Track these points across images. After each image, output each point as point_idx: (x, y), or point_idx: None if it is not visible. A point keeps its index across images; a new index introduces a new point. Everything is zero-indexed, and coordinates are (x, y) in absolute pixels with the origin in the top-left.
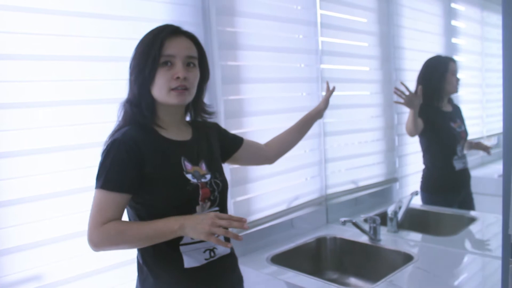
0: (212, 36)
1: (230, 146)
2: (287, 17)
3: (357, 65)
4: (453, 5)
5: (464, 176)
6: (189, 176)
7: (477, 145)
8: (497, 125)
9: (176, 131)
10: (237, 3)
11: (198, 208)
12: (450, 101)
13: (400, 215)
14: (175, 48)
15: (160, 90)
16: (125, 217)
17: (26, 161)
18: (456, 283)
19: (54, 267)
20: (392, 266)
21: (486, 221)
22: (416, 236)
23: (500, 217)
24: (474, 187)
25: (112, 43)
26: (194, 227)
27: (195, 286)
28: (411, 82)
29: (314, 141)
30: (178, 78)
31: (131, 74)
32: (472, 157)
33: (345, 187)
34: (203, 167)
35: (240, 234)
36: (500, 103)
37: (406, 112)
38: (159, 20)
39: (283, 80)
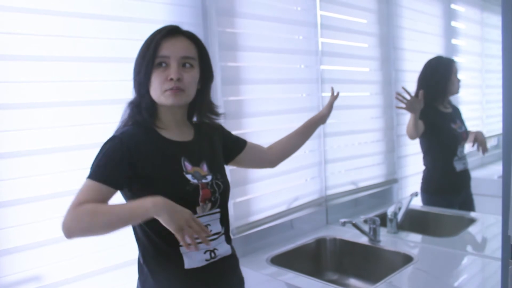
0: (212, 37)
1: (233, 148)
2: (287, 18)
3: (357, 66)
4: (453, 6)
5: (464, 177)
6: (189, 176)
7: (477, 136)
8: (497, 126)
9: (177, 131)
10: (237, 4)
11: (198, 209)
12: (449, 102)
13: (399, 216)
14: (170, 49)
15: (156, 91)
16: None
17: (26, 162)
18: (455, 284)
19: (54, 267)
20: (392, 267)
21: (486, 222)
22: (415, 237)
23: (500, 218)
24: (474, 188)
25: (112, 44)
26: (171, 213)
27: (195, 287)
28: (410, 83)
29: (314, 142)
30: (171, 79)
31: (133, 75)
32: (472, 158)
33: (345, 188)
34: (204, 168)
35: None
36: (500, 104)
37: (405, 113)
38: (159, 21)
39: (283, 81)
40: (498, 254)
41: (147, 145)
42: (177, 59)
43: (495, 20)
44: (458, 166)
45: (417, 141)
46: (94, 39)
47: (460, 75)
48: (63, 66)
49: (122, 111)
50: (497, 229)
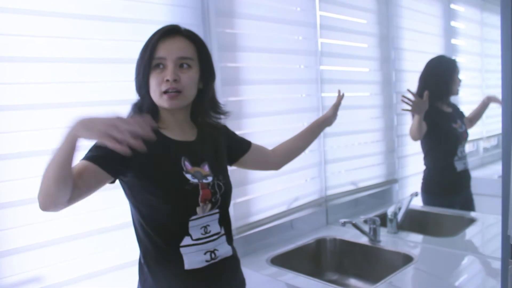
0: (211, 38)
1: (237, 149)
2: (287, 19)
3: (356, 66)
4: (452, 6)
5: (465, 177)
6: (188, 176)
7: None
8: (497, 126)
9: (179, 131)
10: (236, 5)
11: (198, 209)
12: (450, 102)
13: (399, 216)
14: (166, 50)
15: (154, 93)
16: (129, 219)
17: (26, 163)
18: (456, 284)
19: (55, 268)
20: (392, 267)
21: (486, 222)
22: (416, 237)
23: (500, 218)
24: (474, 188)
25: (112, 45)
26: (86, 124)
27: None
28: (410, 83)
29: (314, 142)
30: (167, 81)
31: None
32: (472, 158)
33: (345, 188)
34: (206, 168)
35: (239, 236)
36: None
37: (405, 114)
38: (158, 21)
39: (282, 81)
40: (498, 254)
41: (148, 143)
42: (174, 60)
43: (495, 20)
44: (459, 166)
45: (417, 141)
46: (94, 40)
47: (460, 75)
48: (63, 67)
49: (127, 113)
50: (497, 229)
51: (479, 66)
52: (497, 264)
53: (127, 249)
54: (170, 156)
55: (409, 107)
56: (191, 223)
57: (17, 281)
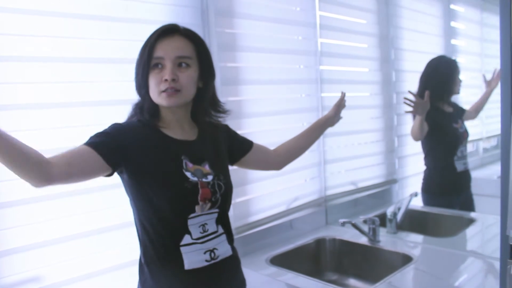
0: (211, 38)
1: (239, 149)
2: (286, 19)
3: (356, 66)
4: (452, 6)
5: (465, 177)
6: (188, 174)
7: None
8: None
9: (179, 131)
10: (236, 5)
11: (197, 208)
12: (450, 101)
13: (399, 216)
14: (164, 50)
15: (153, 93)
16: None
17: None
18: (455, 284)
19: (54, 268)
20: (391, 267)
21: (485, 222)
22: (415, 237)
23: (499, 218)
24: (474, 188)
25: (112, 44)
26: None
27: None
28: (410, 83)
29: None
30: (166, 80)
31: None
32: (472, 158)
33: (345, 188)
34: (206, 168)
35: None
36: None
37: (405, 114)
38: (158, 21)
39: (282, 81)
40: (497, 254)
41: (150, 140)
42: (172, 60)
43: (495, 20)
44: (459, 167)
45: (418, 142)
46: (94, 40)
47: (461, 75)
48: (63, 67)
49: (128, 113)
50: (497, 229)
51: (479, 66)
52: (496, 264)
53: (126, 249)
54: (170, 154)
55: (410, 109)
56: (189, 221)
57: (16, 281)
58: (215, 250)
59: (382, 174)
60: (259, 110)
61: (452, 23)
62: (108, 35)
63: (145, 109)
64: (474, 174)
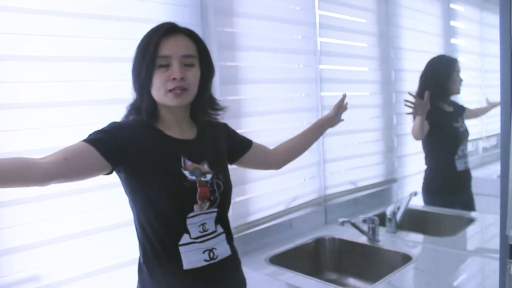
0: (210, 37)
1: (238, 148)
2: (286, 18)
3: (356, 65)
4: (452, 5)
5: (465, 177)
6: (186, 172)
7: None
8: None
9: (178, 130)
10: (235, 4)
11: (196, 206)
12: (451, 101)
13: (398, 215)
14: (171, 48)
15: (158, 91)
16: (130, 216)
17: None
18: (454, 283)
19: (53, 268)
20: (391, 266)
21: (485, 222)
22: (415, 237)
23: (499, 217)
24: (474, 187)
25: (111, 43)
26: None
27: None
28: (409, 82)
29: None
30: (174, 79)
31: (132, 76)
32: (472, 158)
33: (344, 187)
34: (205, 167)
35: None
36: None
37: (404, 113)
38: (158, 21)
39: (281, 80)
40: (497, 253)
41: (148, 139)
42: (179, 58)
43: (495, 20)
44: (460, 166)
45: (416, 141)
46: (94, 39)
47: (461, 74)
48: (64, 66)
49: (123, 115)
50: (496, 228)
51: (478, 66)
52: (495, 264)
53: (125, 248)
54: (169, 153)
55: (411, 110)
56: (188, 221)
57: (15, 280)
58: (214, 250)
59: (381, 173)
60: (259, 109)
61: (452, 22)
62: (108, 34)
63: (144, 109)
64: (474, 173)
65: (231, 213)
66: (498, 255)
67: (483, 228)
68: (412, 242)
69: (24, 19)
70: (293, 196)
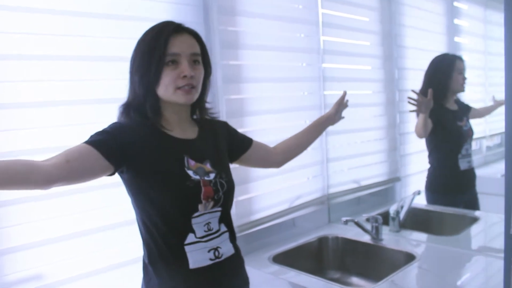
0: (213, 36)
1: (238, 147)
2: (289, 16)
3: (359, 64)
4: (455, 3)
5: (469, 176)
6: (190, 172)
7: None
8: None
9: (180, 130)
10: (238, 3)
11: (200, 206)
12: (456, 99)
13: (402, 214)
14: (180, 46)
15: (167, 89)
16: (132, 215)
17: None
18: (458, 282)
19: (56, 266)
20: (394, 265)
21: (489, 221)
22: (418, 236)
23: (503, 216)
24: (478, 186)
25: (113, 43)
26: None
27: (200, 287)
28: (413, 81)
29: (316, 140)
30: (185, 76)
31: (134, 74)
32: (475, 157)
33: (347, 186)
34: (208, 166)
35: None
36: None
37: (407, 112)
38: (160, 20)
39: (284, 79)
40: (501, 252)
41: (149, 139)
42: (187, 56)
43: (499, 18)
44: (463, 165)
45: (419, 139)
46: (95, 38)
47: (465, 73)
48: (65, 65)
49: (117, 116)
50: (500, 227)
51: (482, 64)
52: (500, 263)
53: (128, 247)
54: (172, 153)
55: (414, 108)
56: (193, 220)
57: (18, 279)
58: (218, 249)
59: (385, 172)
60: (261, 108)
61: (456, 21)
62: (109, 33)
63: (148, 107)
64: (478, 172)
65: (234, 212)
66: (502, 254)
67: (487, 227)
68: (416, 241)
69: (25, 18)
70: (296, 195)
